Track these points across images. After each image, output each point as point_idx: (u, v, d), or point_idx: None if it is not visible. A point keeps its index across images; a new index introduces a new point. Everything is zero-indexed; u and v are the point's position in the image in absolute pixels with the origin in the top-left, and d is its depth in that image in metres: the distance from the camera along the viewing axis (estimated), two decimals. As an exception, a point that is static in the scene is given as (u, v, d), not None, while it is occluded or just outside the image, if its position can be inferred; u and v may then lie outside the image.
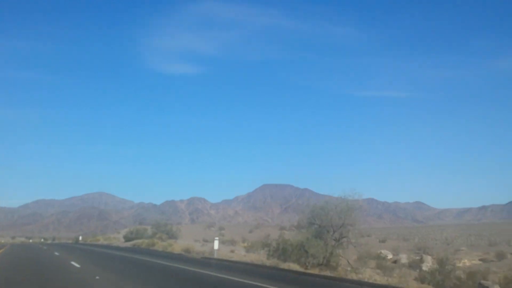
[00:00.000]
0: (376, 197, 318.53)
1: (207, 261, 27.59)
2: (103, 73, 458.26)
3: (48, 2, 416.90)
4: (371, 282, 17.99)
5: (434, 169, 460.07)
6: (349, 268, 24.12)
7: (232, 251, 37.28)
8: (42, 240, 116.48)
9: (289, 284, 16.79)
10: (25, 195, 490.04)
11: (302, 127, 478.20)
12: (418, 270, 31.33)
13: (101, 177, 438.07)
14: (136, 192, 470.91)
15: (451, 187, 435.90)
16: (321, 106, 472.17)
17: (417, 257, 38.47)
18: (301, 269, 22.37)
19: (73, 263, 22.50)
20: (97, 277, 16.30)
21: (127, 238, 65.59)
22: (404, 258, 38.75)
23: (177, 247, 40.07)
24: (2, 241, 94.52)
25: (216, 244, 29.98)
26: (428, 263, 36.42)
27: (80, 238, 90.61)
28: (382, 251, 41.36)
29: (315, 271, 22.37)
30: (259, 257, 28.61)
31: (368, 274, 22.77)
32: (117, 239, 72.67)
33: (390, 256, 41.63)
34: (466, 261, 47.74)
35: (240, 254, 35.63)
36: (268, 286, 15.13)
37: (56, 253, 33.70)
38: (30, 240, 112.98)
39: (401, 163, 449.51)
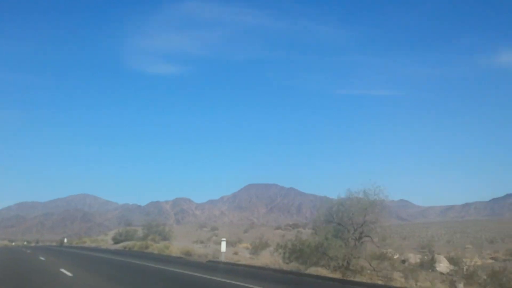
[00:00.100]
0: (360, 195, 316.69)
1: (215, 266, 24.37)
2: (85, 74, 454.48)
3: (31, 3, 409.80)
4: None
5: (418, 167, 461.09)
6: (369, 271, 21.43)
7: (236, 253, 34.00)
8: (25, 243, 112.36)
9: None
10: (8, 197, 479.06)
11: (287, 126, 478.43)
12: (430, 270, 28.83)
13: (85, 178, 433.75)
14: (120, 193, 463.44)
15: (435, 185, 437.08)
16: (305, 105, 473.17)
17: (425, 256, 36.04)
18: (331, 275, 19.30)
19: (63, 270, 18.83)
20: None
21: (116, 240, 62.00)
22: (412, 258, 36.27)
23: (174, 249, 36.65)
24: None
25: (223, 246, 26.62)
26: (442, 264, 33.94)
27: (65, 240, 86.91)
28: (388, 250, 38.75)
29: (337, 275, 19.46)
30: (273, 260, 25.46)
31: (400, 279, 20.14)
32: (105, 241, 69.11)
33: (396, 256, 39.01)
34: (478, 260, 45.28)
35: (245, 257, 32.53)
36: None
37: (42, 258, 30.01)
38: (13, 243, 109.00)
39: (386, 161, 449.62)
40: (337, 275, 19.06)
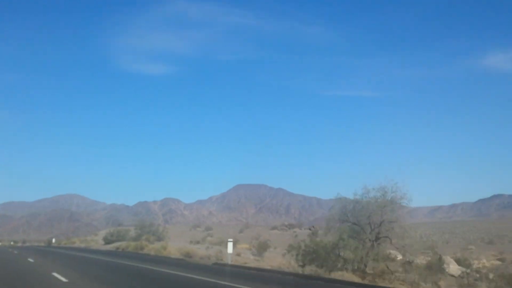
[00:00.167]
0: (348, 195, 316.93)
1: (222, 269, 22.23)
2: (72, 74, 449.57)
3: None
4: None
5: (406, 168, 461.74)
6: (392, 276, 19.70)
7: (239, 255, 31.85)
8: (12, 243, 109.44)
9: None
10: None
11: (276, 127, 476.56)
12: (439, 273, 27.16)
13: (72, 178, 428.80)
14: (108, 193, 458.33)
15: (423, 185, 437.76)
16: (294, 106, 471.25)
17: (428, 258, 34.40)
18: (360, 280, 17.30)
19: (55, 275, 16.47)
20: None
21: (107, 241, 59.65)
22: (416, 259, 34.57)
23: (173, 250, 34.36)
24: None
25: (230, 247, 24.36)
26: (452, 265, 32.38)
27: (54, 240, 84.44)
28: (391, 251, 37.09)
29: (355, 279, 17.55)
30: (284, 262, 23.47)
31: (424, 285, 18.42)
32: (95, 241, 66.75)
33: (399, 257, 37.38)
34: (485, 262, 43.74)
35: (250, 258, 30.49)
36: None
37: (30, 260, 27.56)
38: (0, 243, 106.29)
39: (373, 161, 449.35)
40: (365, 281, 17.06)
